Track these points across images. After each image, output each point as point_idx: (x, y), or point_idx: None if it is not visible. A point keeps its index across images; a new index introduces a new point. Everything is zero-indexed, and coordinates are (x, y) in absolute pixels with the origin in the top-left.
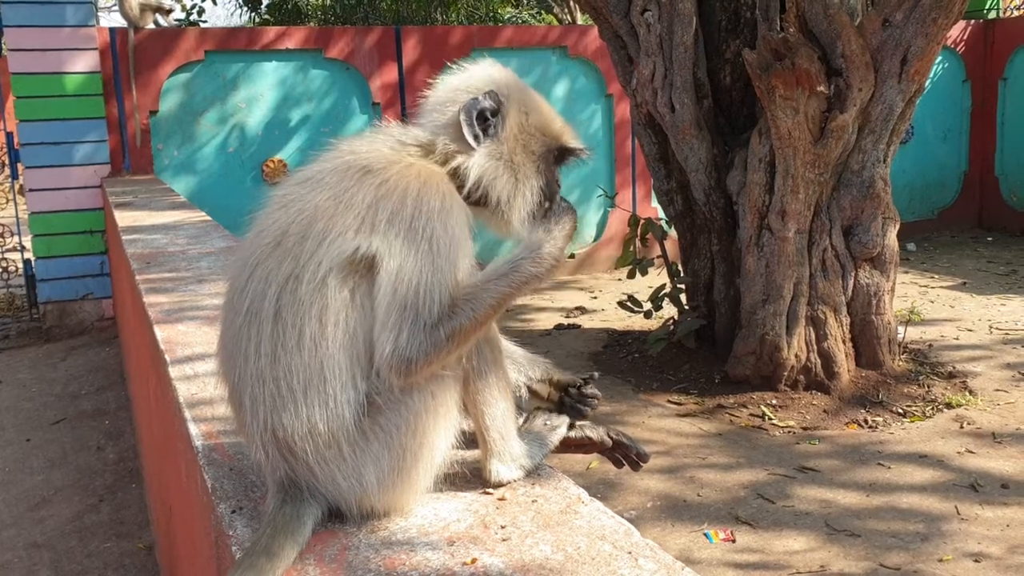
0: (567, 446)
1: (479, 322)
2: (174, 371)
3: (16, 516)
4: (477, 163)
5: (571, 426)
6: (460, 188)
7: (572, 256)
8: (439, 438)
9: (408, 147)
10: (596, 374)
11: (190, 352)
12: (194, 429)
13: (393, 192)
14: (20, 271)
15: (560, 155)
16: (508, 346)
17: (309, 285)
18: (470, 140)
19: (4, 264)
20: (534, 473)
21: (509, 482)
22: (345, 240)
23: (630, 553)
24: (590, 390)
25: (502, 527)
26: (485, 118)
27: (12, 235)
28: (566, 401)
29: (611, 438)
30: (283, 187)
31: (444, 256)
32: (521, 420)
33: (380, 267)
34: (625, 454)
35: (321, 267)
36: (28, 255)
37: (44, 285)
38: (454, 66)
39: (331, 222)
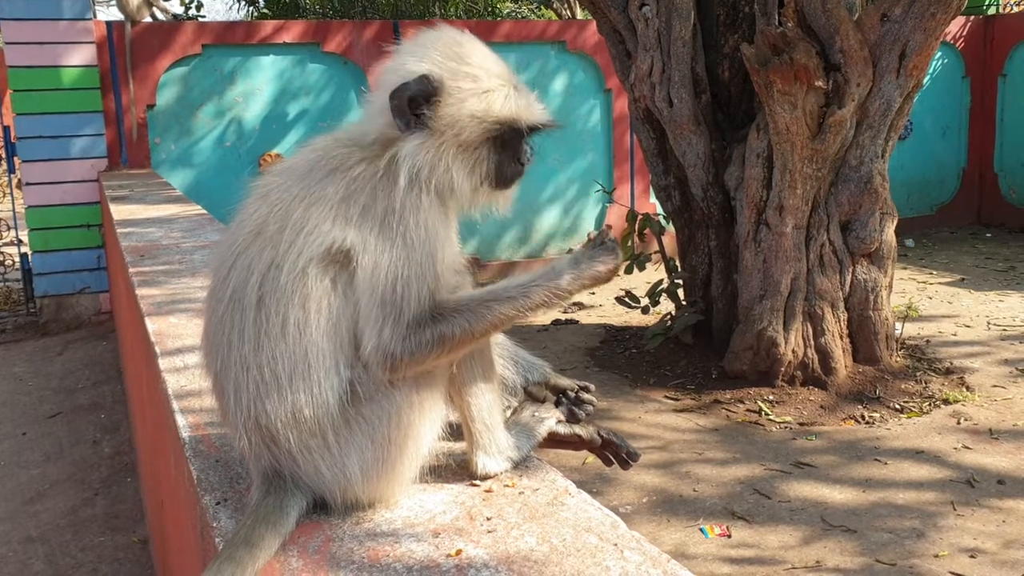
0: (556, 442)
1: (474, 336)
2: (164, 363)
3: (11, 510)
4: (407, 153)
5: (560, 421)
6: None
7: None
8: (424, 430)
9: (379, 139)
10: (592, 386)
11: (180, 344)
12: (181, 420)
13: (363, 189)
14: (17, 265)
15: (517, 134)
16: (509, 345)
17: (290, 274)
18: (401, 128)
19: (1, 258)
20: (521, 465)
21: (496, 474)
22: (322, 232)
23: (616, 545)
24: (587, 396)
25: (488, 519)
26: (419, 103)
27: (9, 229)
28: (562, 402)
29: (601, 436)
30: (264, 177)
31: (420, 250)
32: (509, 412)
33: (356, 262)
34: (615, 452)
35: (301, 257)
36: (25, 249)
37: (41, 279)
38: (415, 34)
39: (308, 213)
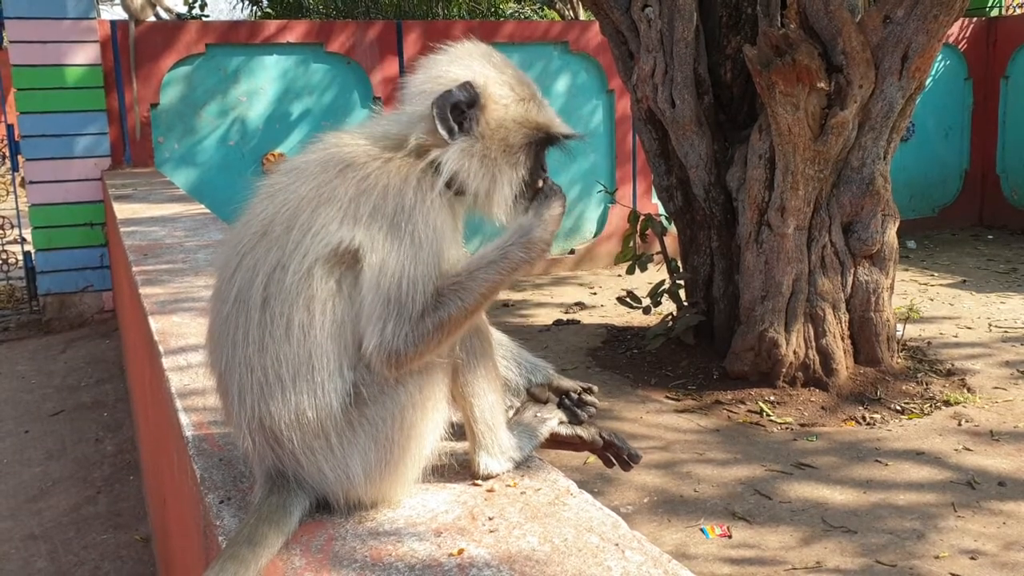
0: (558, 443)
1: (468, 311)
2: (167, 362)
3: (13, 508)
4: (451, 158)
5: (562, 422)
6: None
7: (572, 252)
8: (427, 431)
9: (391, 140)
10: (596, 388)
11: (184, 343)
12: (185, 419)
13: (374, 188)
14: (20, 263)
15: (546, 141)
16: (511, 347)
17: (295, 275)
18: (444, 135)
19: (4, 256)
20: (523, 465)
21: (498, 474)
22: (329, 232)
23: (617, 545)
24: (589, 398)
25: (490, 518)
26: (461, 110)
27: (12, 227)
28: (564, 403)
29: (602, 438)
30: (270, 177)
31: (427, 250)
32: (511, 412)
33: (363, 261)
34: (616, 454)
35: (307, 258)
36: (28, 247)
37: (44, 277)
38: (442, 48)
39: (315, 213)
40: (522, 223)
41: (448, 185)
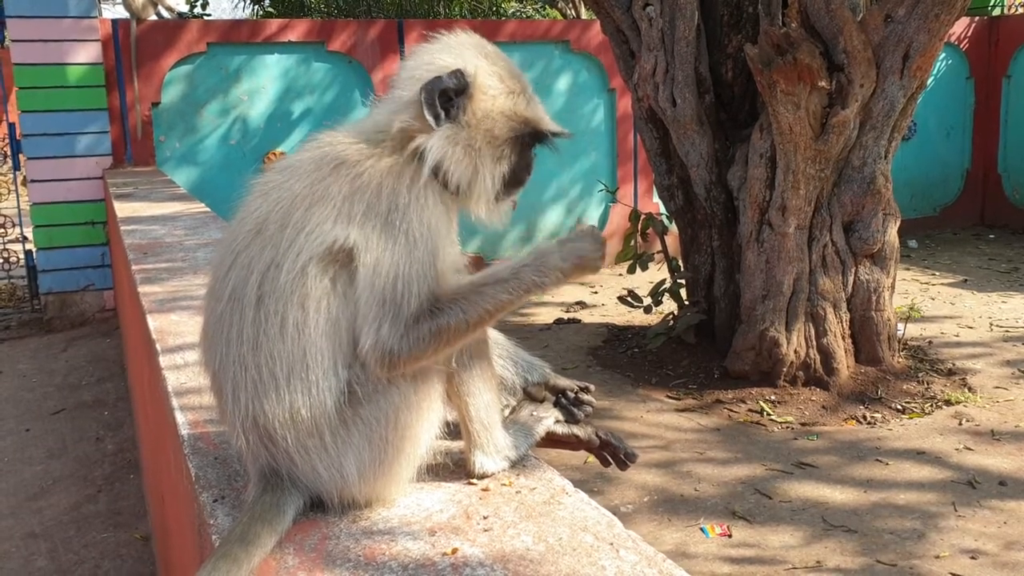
0: (554, 442)
1: (470, 324)
2: (164, 360)
3: (14, 506)
4: (435, 145)
5: (558, 421)
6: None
7: None
8: (422, 430)
9: (381, 133)
10: (592, 386)
11: (181, 341)
12: (181, 418)
13: (368, 186)
14: (22, 262)
15: (533, 138)
16: (508, 345)
17: (289, 273)
18: (430, 120)
19: (6, 255)
20: (519, 464)
21: (493, 473)
22: (323, 231)
23: (612, 544)
24: (586, 396)
25: (484, 518)
26: (449, 98)
27: (14, 226)
28: (561, 402)
29: (599, 437)
30: (265, 175)
31: (422, 248)
32: (507, 411)
33: (358, 260)
34: (613, 453)
35: (301, 256)
36: (30, 246)
37: (45, 276)
38: (435, 36)
39: (309, 212)
40: (542, 247)
41: (436, 176)
